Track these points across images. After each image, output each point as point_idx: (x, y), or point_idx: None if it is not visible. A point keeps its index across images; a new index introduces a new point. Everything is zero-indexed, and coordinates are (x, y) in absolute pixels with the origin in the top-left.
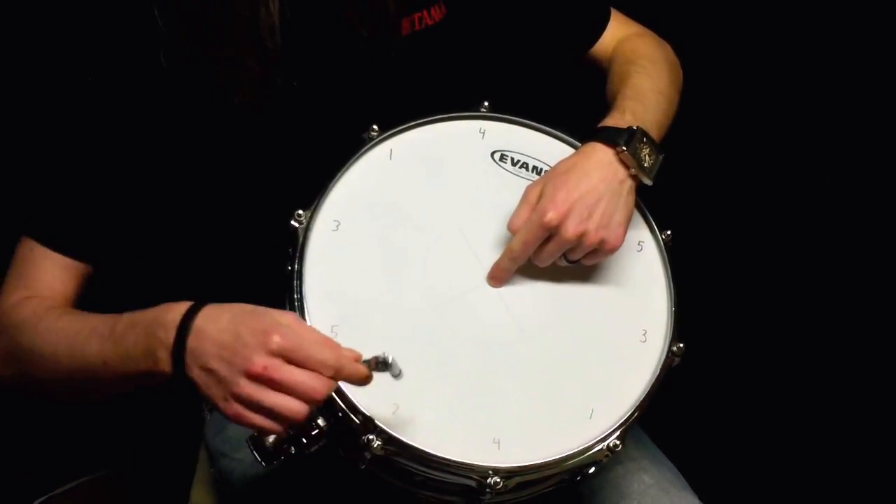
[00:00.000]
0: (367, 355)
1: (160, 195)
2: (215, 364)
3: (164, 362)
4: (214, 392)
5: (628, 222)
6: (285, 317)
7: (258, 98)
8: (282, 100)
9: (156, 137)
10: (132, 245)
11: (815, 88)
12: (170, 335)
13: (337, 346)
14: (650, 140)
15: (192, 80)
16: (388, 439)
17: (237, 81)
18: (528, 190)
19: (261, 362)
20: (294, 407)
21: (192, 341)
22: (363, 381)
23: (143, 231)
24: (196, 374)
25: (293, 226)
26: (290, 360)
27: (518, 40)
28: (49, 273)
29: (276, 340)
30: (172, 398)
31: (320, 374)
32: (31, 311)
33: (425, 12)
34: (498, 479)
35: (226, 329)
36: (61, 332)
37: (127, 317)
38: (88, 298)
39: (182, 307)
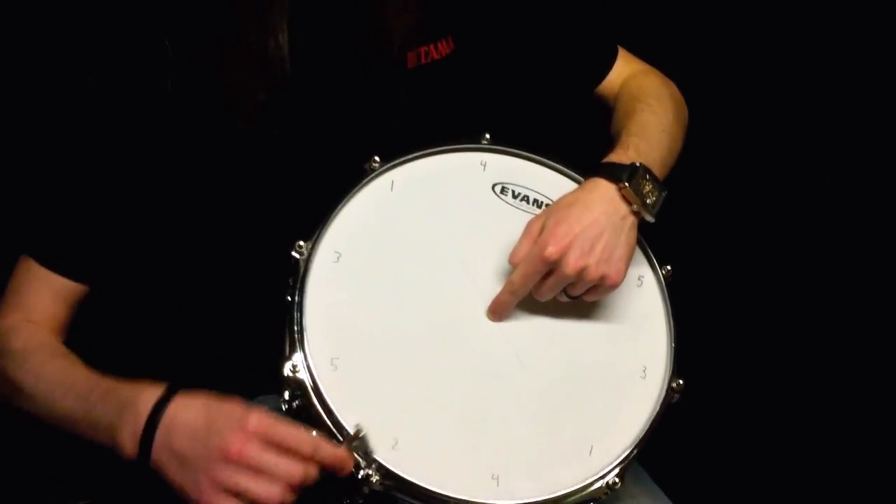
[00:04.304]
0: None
1: (160, 220)
2: (189, 451)
3: (129, 447)
4: (186, 480)
5: (630, 258)
6: (256, 407)
7: (262, 127)
8: (285, 129)
9: (158, 162)
10: (131, 269)
11: (816, 131)
12: (139, 422)
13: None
14: (653, 177)
15: (197, 106)
16: (387, 474)
17: (243, 109)
18: (529, 223)
19: (237, 444)
20: (273, 491)
21: (161, 431)
22: (342, 462)
23: (143, 256)
24: (166, 462)
25: (294, 256)
26: (267, 442)
27: (525, 77)
28: (45, 294)
29: (253, 421)
30: None
31: (297, 457)
32: (24, 343)
33: (432, 46)
34: None
35: (199, 416)
36: (44, 378)
37: (105, 384)
38: (90, 319)
39: (154, 394)
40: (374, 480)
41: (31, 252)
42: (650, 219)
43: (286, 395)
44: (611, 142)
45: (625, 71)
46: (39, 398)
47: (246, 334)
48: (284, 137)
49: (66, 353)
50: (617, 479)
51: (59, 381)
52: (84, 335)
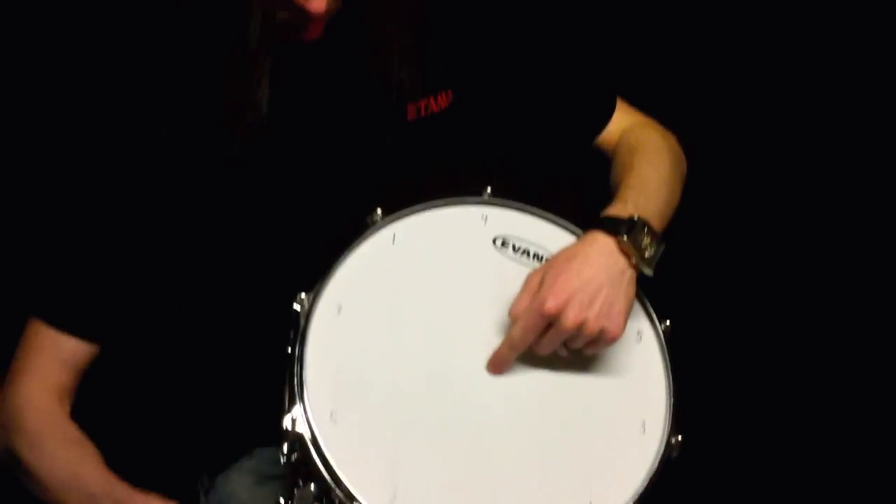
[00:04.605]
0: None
1: (164, 276)
2: None
3: None
4: None
5: (628, 312)
6: None
7: (248, 175)
8: (285, 181)
9: (160, 216)
10: (138, 323)
11: (815, 191)
12: None
13: None
14: (651, 230)
15: (189, 154)
16: None
17: (224, 157)
18: (529, 277)
19: None
20: None
21: None
22: None
23: (149, 310)
24: None
25: (295, 309)
26: None
27: (524, 128)
28: (55, 358)
29: None
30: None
31: None
32: (37, 423)
33: (431, 99)
34: None
35: None
36: (56, 468)
37: (117, 492)
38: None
39: None
40: None
41: (40, 313)
42: (649, 272)
43: (285, 447)
44: (609, 194)
45: (623, 122)
46: (52, 490)
47: (246, 386)
48: (286, 190)
49: (79, 440)
50: None
51: (73, 474)
52: (85, 382)
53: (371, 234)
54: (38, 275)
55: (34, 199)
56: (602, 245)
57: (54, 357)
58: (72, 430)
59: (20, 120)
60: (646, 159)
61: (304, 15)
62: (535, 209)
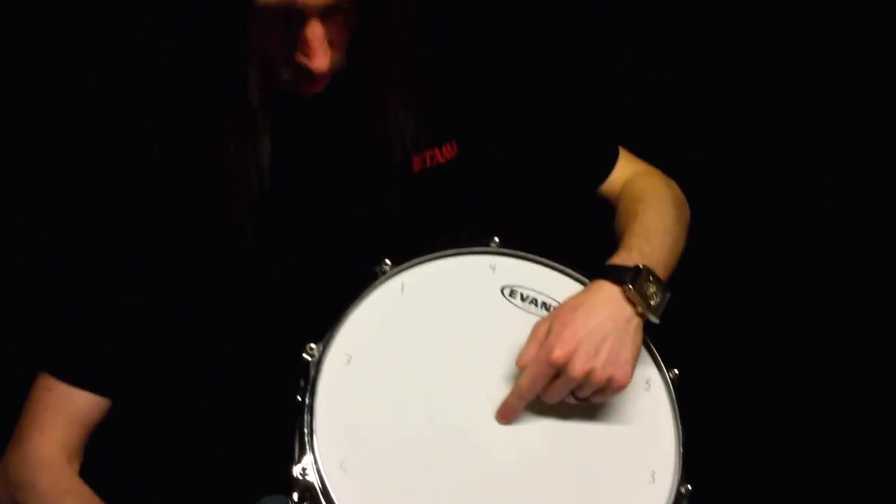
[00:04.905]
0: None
1: (174, 327)
2: None
3: None
4: None
5: (636, 360)
6: None
7: (251, 232)
8: (291, 234)
9: (169, 270)
10: (148, 374)
11: (819, 243)
12: None
13: None
14: (657, 278)
15: (193, 210)
16: None
17: (224, 215)
18: (536, 327)
19: None
20: None
21: None
22: None
23: (160, 361)
24: None
25: (305, 358)
26: None
27: (529, 178)
28: (66, 413)
29: None
30: None
31: None
32: (50, 484)
33: (437, 150)
34: None
35: None
36: None
37: None
38: None
39: None
40: None
41: (50, 368)
42: (655, 320)
43: (295, 496)
44: (614, 242)
45: (627, 171)
46: None
47: (256, 434)
48: (294, 241)
49: (89, 499)
50: None
51: None
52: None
53: (380, 284)
54: (46, 329)
55: (43, 252)
56: (608, 294)
57: (65, 414)
58: (82, 489)
59: (31, 167)
60: (650, 207)
61: (307, 73)
62: (541, 258)
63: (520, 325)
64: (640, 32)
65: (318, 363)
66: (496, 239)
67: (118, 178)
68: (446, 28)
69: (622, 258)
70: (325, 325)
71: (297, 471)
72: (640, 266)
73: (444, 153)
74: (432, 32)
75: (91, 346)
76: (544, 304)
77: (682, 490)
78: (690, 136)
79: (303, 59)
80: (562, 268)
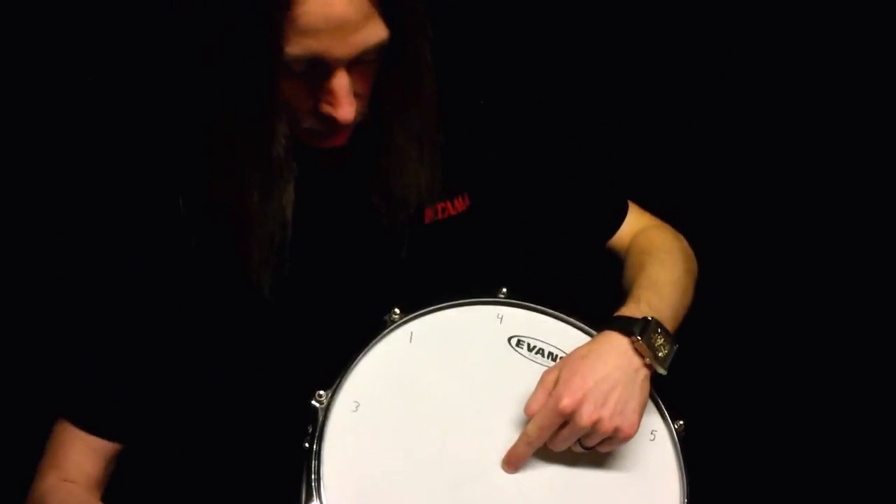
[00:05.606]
0: None
1: (186, 374)
2: None
3: None
4: None
5: (643, 410)
6: None
7: (274, 284)
8: (304, 281)
9: (182, 318)
10: (160, 421)
11: (822, 279)
12: None
13: None
14: (665, 330)
15: (216, 261)
16: None
17: (245, 267)
18: (544, 375)
19: None
20: None
21: None
22: None
23: (172, 407)
24: None
25: (313, 405)
26: None
27: (538, 231)
28: (82, 454)
29: None
30: None
31: None
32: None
33: (449, 203)
34: None
35: None
36: None
37: None
38: None
39: None
40: None
41: (67, 415)
42: (662, 371)
43: None
44: (622, 294)
45: (636, 225)
46: None
47: (263, 480)
48: (304, 291)
49: None
50: None
51: None
52: None
53: (389, 332)
54: (65, 375)
55: (63, 297)
56: (616, 344)
57: (83, 451)
58: None
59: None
60: (658, 260)
61: (333, 123)
62: (549, 309)
63: (526, 374)
64: (651, 89)
65: (327, 410)
66: (504, 289)
67: (141, 227)
68: (462, 83)
69: (631, 310)
70: (333, 373)
71: None
72: (649, 318)
73: (456, 206)
74: (448, 86)
75: (106, 394)
76: (551, 354)
77: None
78: (700, 191)
79: (328, 109)
80: (568, 318)
